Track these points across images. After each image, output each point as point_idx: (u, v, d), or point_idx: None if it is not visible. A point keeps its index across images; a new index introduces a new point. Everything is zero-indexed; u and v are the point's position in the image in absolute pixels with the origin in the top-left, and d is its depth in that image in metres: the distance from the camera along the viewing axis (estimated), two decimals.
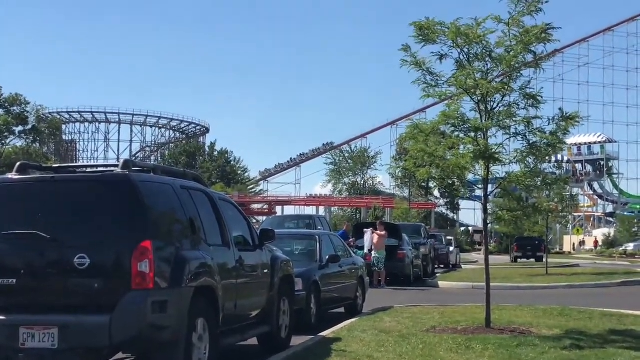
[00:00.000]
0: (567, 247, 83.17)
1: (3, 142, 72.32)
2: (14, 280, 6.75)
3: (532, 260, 46.22)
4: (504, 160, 10.91)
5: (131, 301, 6.48)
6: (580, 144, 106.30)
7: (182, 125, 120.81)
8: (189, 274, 7.05)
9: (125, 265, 6.57)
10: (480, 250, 54.86)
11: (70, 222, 6.87)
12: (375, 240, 22.29)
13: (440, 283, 24.61)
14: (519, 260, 46.82)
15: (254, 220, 53.31)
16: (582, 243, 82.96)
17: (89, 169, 8.08)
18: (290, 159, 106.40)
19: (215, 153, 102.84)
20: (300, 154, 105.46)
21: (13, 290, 6.74)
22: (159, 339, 6.71)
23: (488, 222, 11.52)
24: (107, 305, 6.47)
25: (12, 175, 7.38)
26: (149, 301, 6.53)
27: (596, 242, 79.30)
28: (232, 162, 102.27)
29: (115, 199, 6.87)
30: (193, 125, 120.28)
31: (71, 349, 6.52)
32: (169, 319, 6.74)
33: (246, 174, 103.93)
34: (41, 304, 6.70)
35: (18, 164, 7.53)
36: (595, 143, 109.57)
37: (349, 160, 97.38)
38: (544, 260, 30.70)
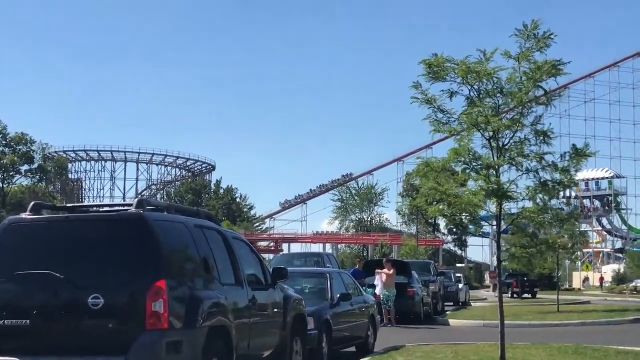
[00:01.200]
0: (576, 284, 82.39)
1: (9, 181, 72.52)
2: (28, 322, 6.72)
3: (528, 296, 49.26)
4: (516, 197, 10.85)
5: (146, 342, 6.43)
6: (588, 179, 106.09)
7: (188, 163, 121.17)
8: (203, 314, 7.01)
9: (139, 305, 6.53)
10: (489, 288, 55.46)
11: (85, 262, 6.85)
12: (384, 279, 22.04)
13: (451, 321, 24.38)
14: (514, 296, 49.07)
15: None
16: (586, 279, 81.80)
17: (103, 209, 8.06)
18: (310, 190, 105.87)
19: (221, 191, 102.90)
20: (320, 186, 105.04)
21: (27, 332, 6.71)
22: None
23: (502, 259, 11.43)
24: (121, 346, 6.41)
25: (26, 215, 7.36)
26: (163, 342, 6.48)
27: (602, 279, 78.09)
28: (238, 200, 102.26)
29: (130, 239, 6.85)
30: (199, 163, 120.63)
31: None
32: None
33: (252, 212, 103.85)
34: (55, 345, 6.64)
35: (32, 204, 7.50)
36: (603, 179, 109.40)
37: (356, 197, 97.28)
38: (556, 296, 30.37)
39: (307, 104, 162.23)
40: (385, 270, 22.13)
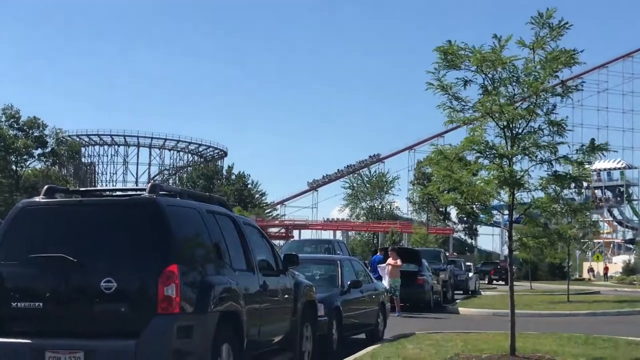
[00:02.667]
0: (586, 274, 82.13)
1: (22, 164, 72.90)
2: (41, 304, 6.74)
3: (502, 282, 53.52)
4: (529, 187, 10.80)
5: (157, 326, 6.43)
6: (599, 170, 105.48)
7: (200, 149, 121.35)
8: (214, 299, 7.02)
9: (151, 289, 6.54)
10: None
11: (97, 246, 6.87)
12: (389, 269, 21.70)
13: (461, 309, 24.35)
14: (493, 282, 55.81)
15: None
16: (590, 270, 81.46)
17: (116, 193, 8.07)
18: (338, 170, 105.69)
19: (233, 177, 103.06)
20: (347, 166, 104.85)
21: (39, 314, 6.73)
22: None
23: (513, 248, 11.40)
24: (133, 329, 6.43)
25: (39, 199, 7.37)
26: (174, 326, 6.49)
27: (606, 269, 77.65)
28: (250, 186, 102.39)
29: (143, 223, 6.85)
30: (211, 149, 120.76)
31: None
32: (195, 345, 6.69)
33: (263, 198, 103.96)
34: (67, 328, 6.67)
35: (45, 187, 7.50)
36: (614, 169, 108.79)
37: (367, 185, 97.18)
38: (566, 286, 30.33)
39: (318, 90, 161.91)
40: (391, 261, 21.80)
